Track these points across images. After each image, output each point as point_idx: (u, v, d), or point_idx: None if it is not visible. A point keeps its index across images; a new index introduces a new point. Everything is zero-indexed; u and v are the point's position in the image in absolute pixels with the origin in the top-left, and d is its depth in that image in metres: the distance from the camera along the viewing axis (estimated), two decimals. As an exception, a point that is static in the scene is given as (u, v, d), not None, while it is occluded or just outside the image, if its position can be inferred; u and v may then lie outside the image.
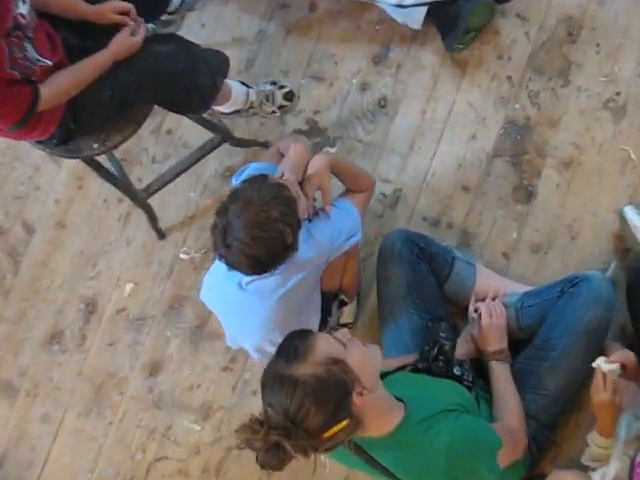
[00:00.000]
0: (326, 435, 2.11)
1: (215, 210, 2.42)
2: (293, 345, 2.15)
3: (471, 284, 2.90)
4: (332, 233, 2.64)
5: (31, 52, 2.55)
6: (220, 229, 2.37)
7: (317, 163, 2.70)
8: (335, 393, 2.10)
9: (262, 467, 2.11)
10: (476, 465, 2.37)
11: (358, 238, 2.73)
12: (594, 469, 2.53)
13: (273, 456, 2.07)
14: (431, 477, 2.38)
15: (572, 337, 2.69)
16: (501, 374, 2.70)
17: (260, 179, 2.50)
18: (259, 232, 2.34)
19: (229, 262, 2.40)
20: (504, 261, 3.06)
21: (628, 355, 2.51)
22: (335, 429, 2.13)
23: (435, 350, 2.65)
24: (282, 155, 2.79)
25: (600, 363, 2.43)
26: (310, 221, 2.65)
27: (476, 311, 2.84)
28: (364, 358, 2.18)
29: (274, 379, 2.12)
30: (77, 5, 2.71)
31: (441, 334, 2.67)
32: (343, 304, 3.00)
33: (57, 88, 2.64)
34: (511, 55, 3.22)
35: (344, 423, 2.15)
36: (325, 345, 2.13)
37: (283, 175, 2.60)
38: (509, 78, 3.21)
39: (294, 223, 2.41)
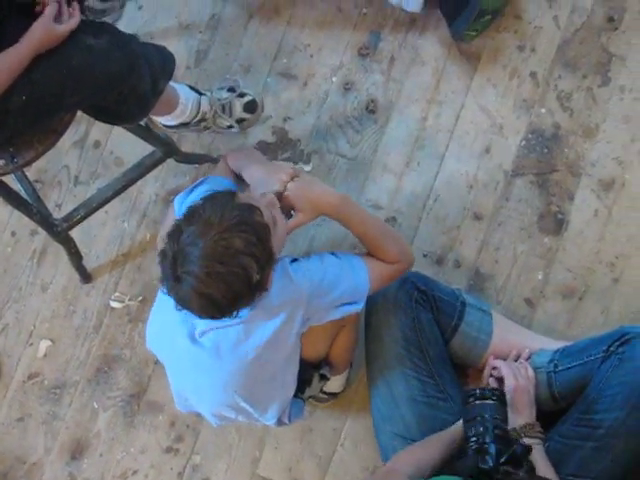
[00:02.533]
0: None
1: (167, 232, 2.23)
2: None
3: (486, 338, 2.67)
4: (320, 279, 2.42)
5: None
6: (170, 257, 2.15)
7: (324, 194, 2.51)
8: None
9: None
10: None
11: (357, 308, 2.48)
12: None
13: None
14: None
15: (624, 411, 2.50)
16: (537, 456, 2.47)
17: (225, 196, 2.27)
18: (217, 266, 2.12)
19: (178, 299, 2.19)
20: (528, 309, 2.88)
21: None
22: None
23: (505, 457, 2.33)
24: (233, 172, 2.67)
25: None
26: (295, 261, 2.45)
27: (492, 375, 2.63)
28: None
29: None
30: None
31: (497, 419, 2.40)
32: (324, 378, 2.76)
33: None
34: (536, 46, 3.01)
35: None
36: None
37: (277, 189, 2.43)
38: (533, 75, 2.99)
39: (263, 257, 2.18)
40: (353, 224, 2.51)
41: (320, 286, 2.40)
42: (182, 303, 2.19)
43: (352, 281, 2.44)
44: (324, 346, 2.67)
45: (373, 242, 2.51)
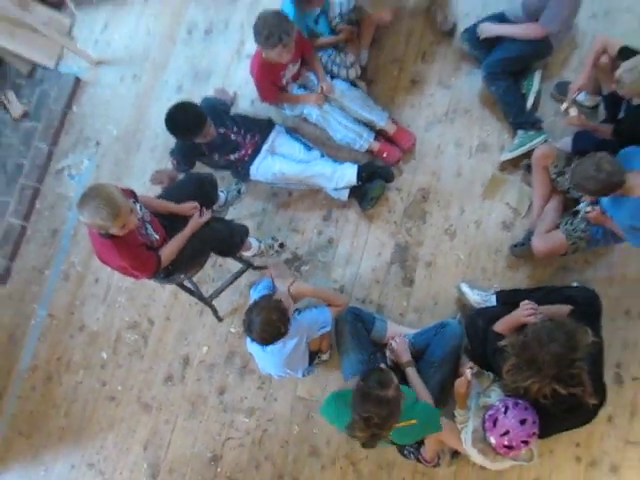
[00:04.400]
0: (389, 430, 2.98)
1: (245, 310, 3.32)
2: (381, 377, 2.88)
3: (384, 333, 3.94)
4: (310, 320, 3.55)
5: (150, 231, 3.45)
6: (247, 323, 3.27)
7: (304, 289, 3.61)
8: (399, 408, 2.91)
9: (365, 447, 2.98)
10: (431, 420, 3.34)
11: (328, 329, 3.61)
12: (462, 428, 3.42)
13: (374, 440, 2.90)
14: (414, 433, 3.38)
15: (444, 355, 3.68)
16: (414, 374, 3.64)
17: (268, 297, 3.34)
18: (267, 327, 3.23)
19: (252, 339, 3.32)
20: (401, 318, 4.13)
21: (472, 365, 3.49)
22: (394, 427, 2.96)
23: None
24: (270, 275, 3.75)
25: (469, 373, 3.31)
26: (300, 312, 3.57)
27: (389, 346, 3.88)
28: None
29: (376, 398, 2.81)
30: (169, 206, 3.69)
31: (381, 363, 3.67)
32: (319, 357, 4.07)
33: (167, 254, 3.51)
34: (395, 210, 4.32)
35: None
36: (394, 379, 2.92)
37: (287, 289, 3.47)
38: (395, 222, 4.30)
39: (285, 321, 3.27)
40: (318, 296, 3.68)
41: (311, 321, 3.51)
42: (254, 341, 3.26)
43: (324, 318, 3.57)
44: (317, 345, 3.83)
45: (328, 300, 3.68)
